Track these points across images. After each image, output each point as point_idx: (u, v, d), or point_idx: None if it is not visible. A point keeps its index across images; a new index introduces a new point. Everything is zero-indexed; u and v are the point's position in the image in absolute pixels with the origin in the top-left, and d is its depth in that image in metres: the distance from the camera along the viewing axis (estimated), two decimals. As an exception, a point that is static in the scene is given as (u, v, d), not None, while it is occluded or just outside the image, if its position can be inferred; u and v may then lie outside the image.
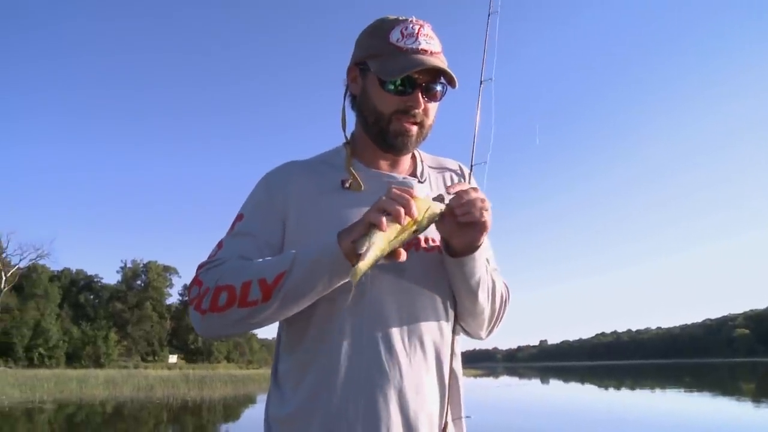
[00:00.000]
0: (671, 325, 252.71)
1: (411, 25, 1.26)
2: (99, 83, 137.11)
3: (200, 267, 1.25)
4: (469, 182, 1.42)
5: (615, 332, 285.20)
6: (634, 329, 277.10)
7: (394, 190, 1.06)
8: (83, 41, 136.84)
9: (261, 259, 1.21)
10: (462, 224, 1.15)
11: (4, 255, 67.53)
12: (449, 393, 1.26)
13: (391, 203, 1.04)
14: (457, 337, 1.32)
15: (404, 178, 1.35)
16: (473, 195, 1.13)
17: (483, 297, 1.28)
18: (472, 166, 1.43)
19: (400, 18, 1.28)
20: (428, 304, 1.25)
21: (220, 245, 1.29)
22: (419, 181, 1.37)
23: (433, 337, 1.25)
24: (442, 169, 1.46)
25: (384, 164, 1.36)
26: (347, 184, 1.30)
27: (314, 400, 1.19)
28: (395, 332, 1.20)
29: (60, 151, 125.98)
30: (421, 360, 1.22)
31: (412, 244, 1.24)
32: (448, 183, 1.43)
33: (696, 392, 27.35)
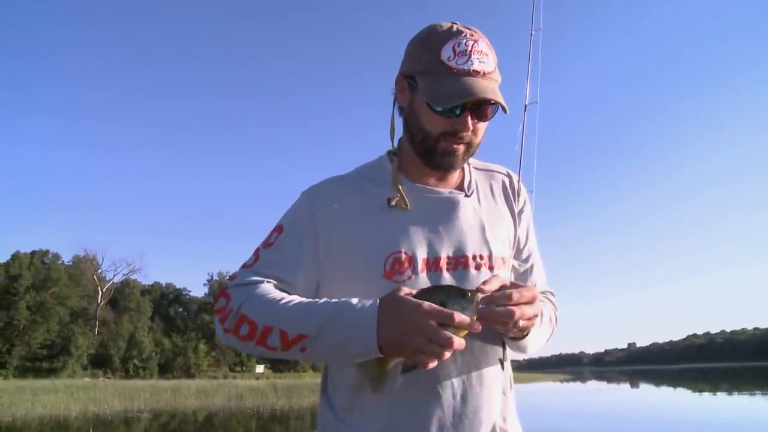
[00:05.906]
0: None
1: (464, 41, 1.16)
2: (182, 93, 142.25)
3: (232, 278, 1.24)
4: (519, 192, 1.39)
5: (708, 333, 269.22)
6: (728, 330, 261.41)
7: (440, 336, 0.98)
8: (173, 48, 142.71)
9: (290, 301, 1.15)
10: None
11: (99, 271, 71.48)
12: (505, 408, 1.26)
13: (433, 350, 0.99)
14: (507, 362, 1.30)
15: (450, 192, 1.30)
16: (504, 304, 1.07)
17: (532, 347, 1.30)
18: (519, 189, 1.40)
19: (453, 29, 1.19)
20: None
21: (256, 255, 1.26)
22: (466, 195, 1.31)
23: (487, 355, 1.23)
24: (490, 174, 1.41)
25: (431, 179, 1.30)
26: (393, 202, 1.25)
27: (370, 422, 1.18)
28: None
29: (143, 164, 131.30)
30: (476, 381, 1.20)
31: (459, 262, 1.23)
32: (497, 190, 1.38)
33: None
